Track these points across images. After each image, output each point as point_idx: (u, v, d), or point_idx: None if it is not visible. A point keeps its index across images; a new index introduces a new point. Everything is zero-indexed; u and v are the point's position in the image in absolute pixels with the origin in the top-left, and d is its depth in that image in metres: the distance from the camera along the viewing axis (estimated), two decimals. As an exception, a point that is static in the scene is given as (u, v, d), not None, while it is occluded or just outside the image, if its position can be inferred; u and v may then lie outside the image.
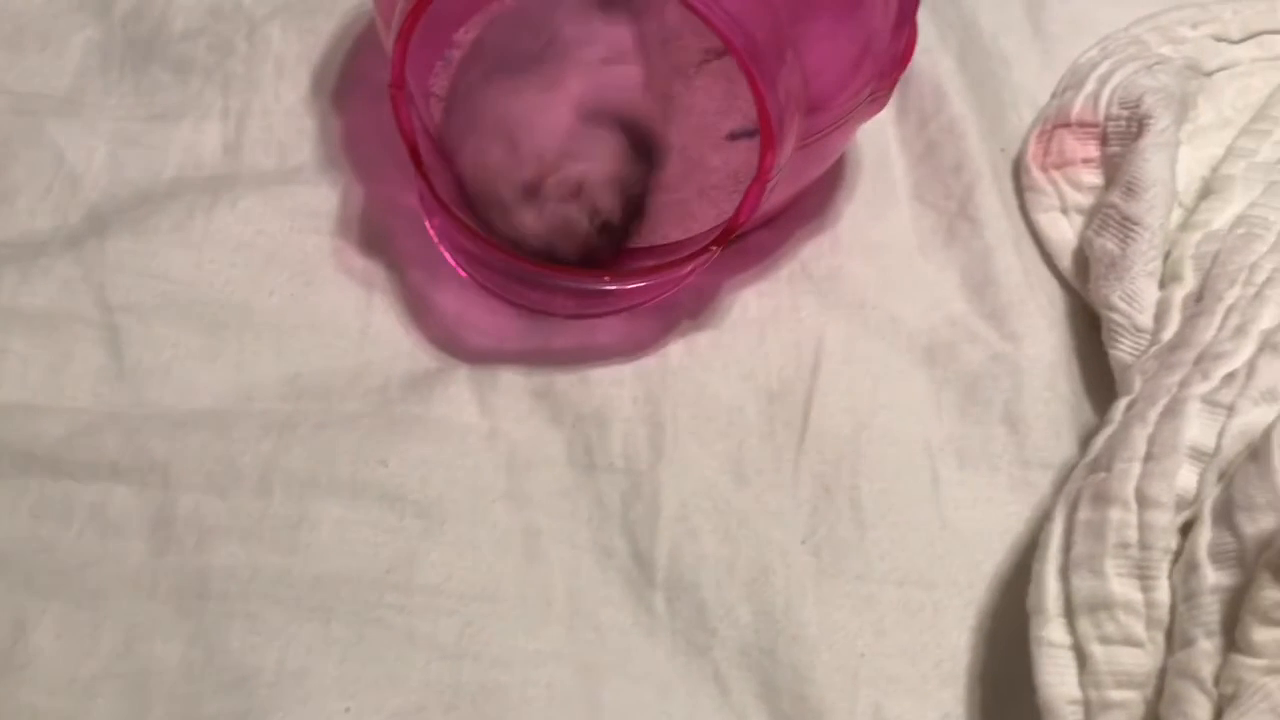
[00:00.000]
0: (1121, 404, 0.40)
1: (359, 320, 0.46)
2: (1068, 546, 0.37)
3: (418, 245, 0.47)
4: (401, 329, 0.46)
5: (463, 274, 0.46)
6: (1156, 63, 0.51)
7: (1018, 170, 0.52)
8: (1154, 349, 0.42)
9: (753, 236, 0.49)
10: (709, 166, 0.47)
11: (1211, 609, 0.33)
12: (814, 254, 0.49)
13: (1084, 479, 0.38)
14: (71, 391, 0.44)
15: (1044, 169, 0.51)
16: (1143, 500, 0.36)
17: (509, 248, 0.44)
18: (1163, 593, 0.35)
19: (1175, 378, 0.39)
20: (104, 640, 0.38)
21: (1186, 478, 0.36)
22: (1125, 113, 0.49)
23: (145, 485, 0.41)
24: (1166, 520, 0.36)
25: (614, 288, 0.45)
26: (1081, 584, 0.36)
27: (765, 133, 0.39)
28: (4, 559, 0.39)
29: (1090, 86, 0.51)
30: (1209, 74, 0.54)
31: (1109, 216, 0.46)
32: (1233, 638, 0.33)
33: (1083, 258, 0.47)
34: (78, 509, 0.41)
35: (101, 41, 0.55)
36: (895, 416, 0.44)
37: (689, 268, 0.44)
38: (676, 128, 0.46)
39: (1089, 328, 0.46)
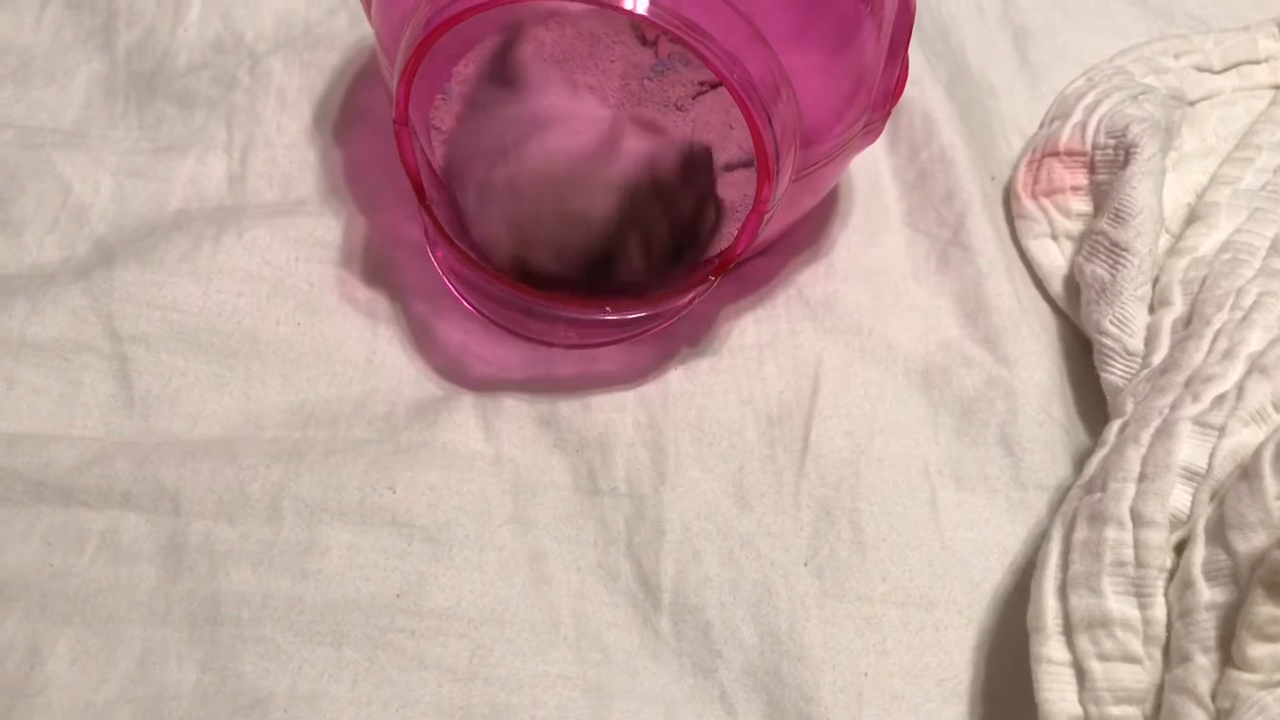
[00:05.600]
0: (1114, 426, 0.41)
1: (364, 349, 0.47)
2: (1065, 565, 0.38)
3: (421, 276, 0.48)
4: (406, 358, 0.47)
5: (466, 305, 0.46)
6: (1141, 92, 0.53)
7: (1008, 198, 0.53)
8: (1145, 372, 0.43)
9: (750, 264, 0.49)
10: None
11: (1207, 625, 0.34)
12: (810, 281, 0.50)
13: (1080, 499, 0.39)
14: (82, 420, 0.44)
15: (1034, 196, 0.52)
16: (1138, 519, 0.37)
17: (511, 279, 0.45)
18: (1159, 610, 0.36)
19: (1166, 400, 0.40)
20: (118, 666, 0.39)
21: (1180, 497, 0.37)
22: (1112, 141, 0.50)
23: (156, 512, 0.41)
24: (1161, 539, 0.36)
25: (615, 317, 0.45)
26: (1080, 602, 0.36)
27: (762, 165, 0.40)
28: (18, 586, 0.40)
29: (1078, 116, 0.52)
30: (1192, 103, 0.55)
31: (1098, 243, 0.47)
32: (1229, 653, 0.33)
33: (1073, 283, 0.48)
34: (90, 536, 0.41)
35: (106, 76, 0.56)
36: (893, 439, 0.45)
37: (688, 296, 0.45)
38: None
39: (1081, 352, 0.47)
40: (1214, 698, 0.33)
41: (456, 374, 0.47)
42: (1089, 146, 0.51)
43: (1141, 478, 0.38)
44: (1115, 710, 0.35)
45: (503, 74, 0.45)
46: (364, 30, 0.57)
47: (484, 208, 0.44)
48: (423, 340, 0.47)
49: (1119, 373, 0.44)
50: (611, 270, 0.44)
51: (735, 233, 0.43)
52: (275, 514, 0.42)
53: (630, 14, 0.37)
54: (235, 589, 0.40)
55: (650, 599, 0.41)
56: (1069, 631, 0.36)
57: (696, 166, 0.44)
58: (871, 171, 0.54)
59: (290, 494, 0.42)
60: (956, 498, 0.43)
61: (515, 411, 0.45)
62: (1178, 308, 0.45)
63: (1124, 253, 0.46)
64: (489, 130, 0.44)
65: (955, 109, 0.56)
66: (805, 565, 0.42)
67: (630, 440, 0.45)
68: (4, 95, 0.55)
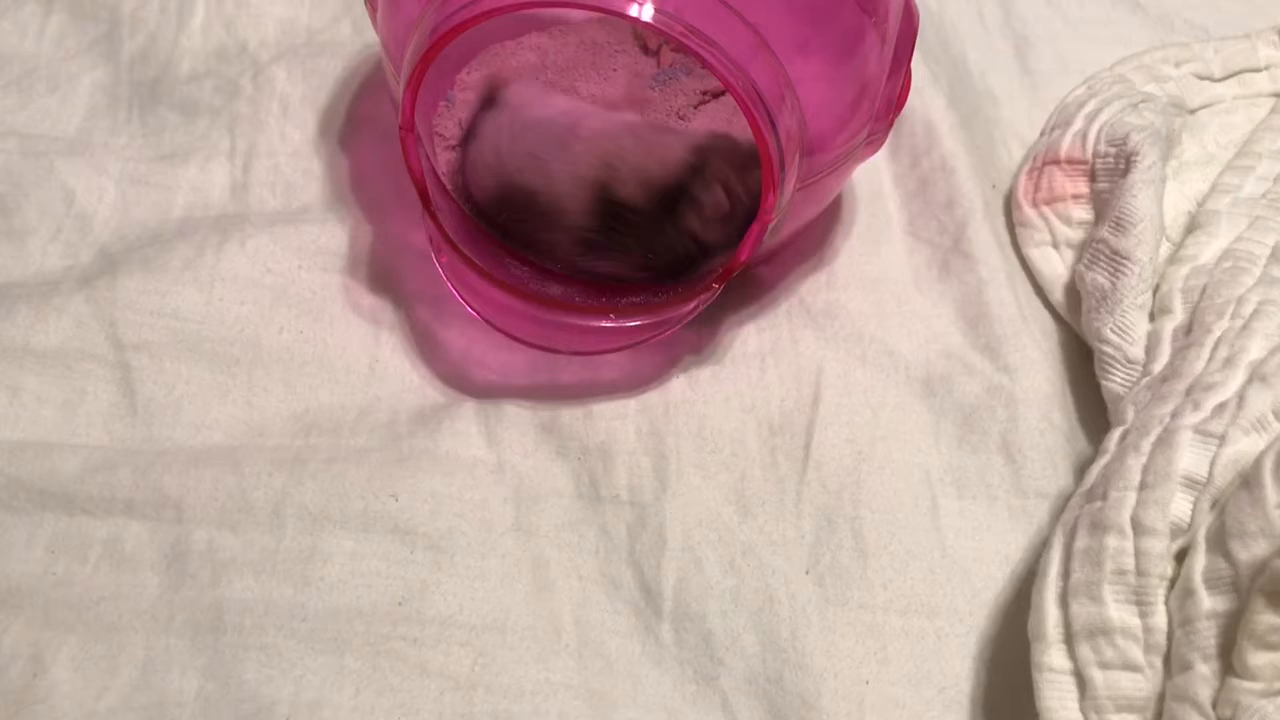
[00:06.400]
0: (1115, 434, 0.41)
1: (367, 356, 0.47)
2: (1066, 574, 0.38)
3: (424, 283, 0.48)
4: (409, 365, 0.47)
5: (470, 310, 0.46)
6: (1142, 101, 0.53)
7: (1009, 206, 0.53)
8: (1145, 380, 0.43)
9: (752, 273, 0.50)
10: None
11: (1208, 634, 0.34)
12: (812, 289, 0.50)
13: (1081, 507, 0.39)
14: (85, 428, 0.44)
15: (1035, 205, 0.52)
16: (1138, 528, 0.37)
17: (516, 285, 0.45)
18: (1160, 618, 0.36)
19: (1167, 408, 0.40)
20: (121, 673, 0.39)
21: (1180, 506, 0.37)
22: (1113, 150, 0.50)
23: (159, 520, 0.42)
24: (1162, 547, 0.36)
25: (618, 325, 0.45)
26: (1080, 610, 0.36)
27: (767, 173, 0.40)
28: (22, 594, 0.40)
29: (1078, 124, 0.52)
30: (1192, 111, 0.55)
31: (1099, 251, 0.47)
32: (1229, 662, 0.33)
33: (1074, 291, 0.48)
34: (93, 544, 0.41)
35: (110, 84, 0.56)
36: (895, 447, 0.45)
37: (691, 304, 0.45)
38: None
39: (1082, 360, 0.47)
40: (1215, 706, 0.33)
41: (459, 381, 0.47)
42: (1090, 155, 0.51)
43: (1142, 486, 0.38)
44: (1116, 718, 0.35)
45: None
46: (366, 38, 0.57)
47: (554, 141, 0.45)
48: (425, 347, 0.47)
49: (1120, 381, 0.44)
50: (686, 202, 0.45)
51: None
52: (278, 522, 0.42)
53: (636, 21, 0.37)
54: (238, 597, 0.40)
55: (652, 607, 0.41)
56: (1070, 639, 0.36)
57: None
58: (873, 180, 0.54)
59: (293, 502, 0.42)
60: (958, 505, 0.43)
61: (517, 419, 0.45)
62: (1178, 316, 0.45)
63: (1125, 261, 0.46)
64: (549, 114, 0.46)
65: (957, 118, 0.56)
66: (807, 573, 0.42)
67: (632, 448, 0.45)
68: (7, 103, 0.55)
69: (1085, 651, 0.36)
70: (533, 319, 0.46)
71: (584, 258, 0.46)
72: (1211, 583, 0.35)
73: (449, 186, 0.47)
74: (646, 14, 0.37)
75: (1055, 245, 0.51)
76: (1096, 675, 0.36)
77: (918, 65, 0.54)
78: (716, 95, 0.49)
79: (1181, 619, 0.35)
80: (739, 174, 0.44)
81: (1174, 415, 0.40)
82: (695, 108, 0.50)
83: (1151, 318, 0.46)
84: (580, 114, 0.46)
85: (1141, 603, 0.36)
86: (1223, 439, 0.38)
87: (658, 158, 0.44)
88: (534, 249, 0.46)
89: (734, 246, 0.43)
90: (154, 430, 0.44)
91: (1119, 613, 0.36)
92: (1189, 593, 0.35)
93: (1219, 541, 0.35)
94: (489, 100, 0.48)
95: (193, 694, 0.38)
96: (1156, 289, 0.47)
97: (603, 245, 0.45)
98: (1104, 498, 0.38)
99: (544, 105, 0.46)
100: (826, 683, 0.39)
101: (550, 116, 0.45)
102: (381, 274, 0.49)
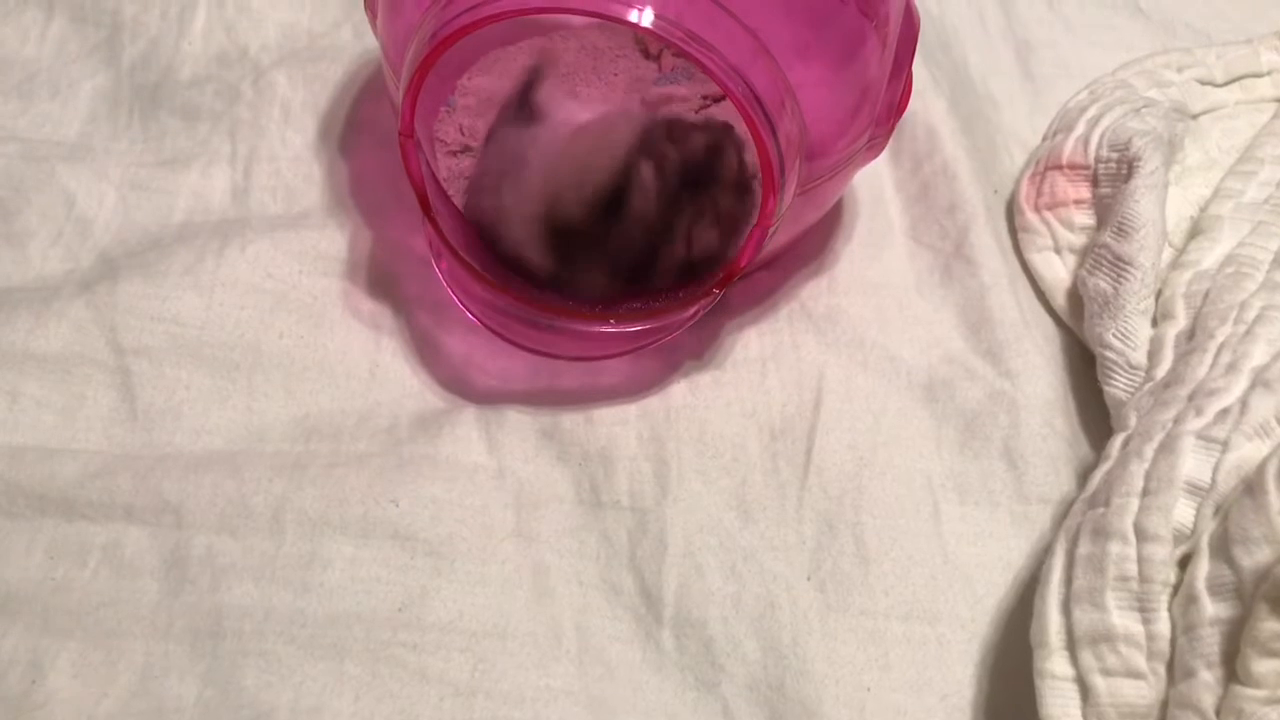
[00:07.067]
0: (1118, 440, 0.41)
1: (367, 361, 0.47)
2: (1069, 580, 0.37)
3: (425, 288, 0.48)
4: (409, 370, 0.47)
5: (470, 316, 0.46)
6: (1144, 106, 0.53)
7: (1011, 211, 0.53)
8: (1148, 386, 0.43)
9: (753, 278, 0.49)
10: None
11: (1211, 641, 0.34)
12: (813, 294, 0.50)
13: (1083, 514, 0.39)
14: (84, 433, 0.44)
15: (1037, 210, 0.52)
16: (1141, 534, 0.37)
17: (516, 291, 0.45)
18: (1163, 625, 0.35)
19: (1170, 414, 0.40)
20: (120, 680, 0.38)
21: (1183, 512, 0.37)
22: (1115, 155, 0.50)
23: (159, 526, 0.41)
24: (1165, 554, 0.36)
25: (618, 330, 0.45)
26: (1083, 617, 0.36)
27: (767, 178, 0.40)
28: (21, 599, 0.40)
29: (1080, 129, 0.52)
30: (1195, 116, 0.55)
31: (1101, 256, 0.47)
32: (1233, 669, 0.33)
33: (1077, 296, 0.48)
34: (92, 549, 0.41)
35: (110, 89, 0.56)
36: (896, 452, 0.45)
37: (692, 309, 0.45)
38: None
39: (1084, 365, 0.47)
40: (1218, 713, 0.33)
41: (460, 386, 0.47)
42: (1092, 160, 0.51)
43: (1145, 492, 0.38)
44: (1119, 725, 0.35)
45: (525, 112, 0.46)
46: (367, 43, 0.57)
47: (508, 180, 0.45)
48: (426, 352, 0.47)
49: (1122, 386, 0.44)
50: (628, 208, 0.45)
51: (739, 246, 0.43)
52: (277, 527, 0.42)
53: (635, 27, 0.37)
54: (237, 602, 0.40)
55: (653, 613, 0.41)
56: (1072, 646, 0.36)
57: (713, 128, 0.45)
58: (874, 184, 0.54)
59: (292, 507, 0.42)
60: (959, 511, 0.43)
61: (518, 424, 0.45)
62: (1181, 321, 0.45)
63: (1127, 266, 0.46)
64: (511, 145, 0.45)
65: (958, 122, 0.56)
66: (808, 579, 0.42)
67: (633, 453, 0.44)
68: (9, 108, 0.55)
69: (1088, 658, 0.36)
70: (533, 325, 0.46)
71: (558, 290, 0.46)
72: (1215, 589, 0.35)
73: (449, 192, 0.47)
74: (647, 20, 0.37)
75: (1057, 250, 0.51)
76: (1099, 682, 0.35)
77: (919, 69, 0.54)
78: (718, 99, 0.49)
79: (1185, 626, 0.35)
80: (676, 146, 0.44)
81: (1177, 421, 0.40)
82: (696, 113, 0.50)
83: (1154, 323, 0.46)
84: (535, 139, 0.45)
85: (1144, 609, 0.36)
86: (1226, 445, 0.38)
87: (590, 175, 0.44)
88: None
89: (689, 233, 0.44)
90: (154, 435, 0.44)
91: (1122, 619, 0.36)
92: (1192, 599, 0.35)
93: (1222, 548, 0.35)
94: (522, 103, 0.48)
95: (192, 700, 0.38)
96: (1159, 294, 0.46)
97: (566, 278, 0.45)
98: (1106, 504, 0.38)
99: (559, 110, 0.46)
100: (828, 689, 0.39)
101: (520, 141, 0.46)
102: (382, 279, 0.49)
